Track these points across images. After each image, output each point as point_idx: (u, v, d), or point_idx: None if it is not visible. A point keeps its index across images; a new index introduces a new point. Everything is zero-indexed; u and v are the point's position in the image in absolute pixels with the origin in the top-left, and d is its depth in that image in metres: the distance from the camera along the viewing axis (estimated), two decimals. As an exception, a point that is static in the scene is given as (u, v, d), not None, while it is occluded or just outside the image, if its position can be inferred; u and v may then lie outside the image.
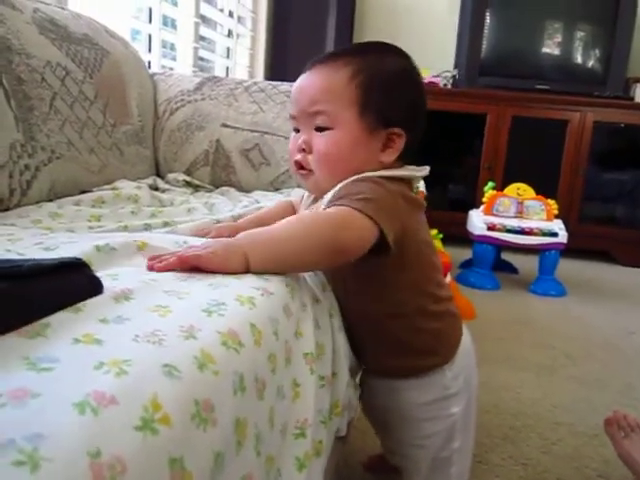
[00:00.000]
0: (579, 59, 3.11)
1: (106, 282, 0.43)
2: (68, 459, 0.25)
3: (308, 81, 0.71)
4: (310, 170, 0.70)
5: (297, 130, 0.73)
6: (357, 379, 0.85)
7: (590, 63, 3.10)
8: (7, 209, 0.95)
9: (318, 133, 0.69)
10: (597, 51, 3.06)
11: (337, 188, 0.67)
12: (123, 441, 0.28)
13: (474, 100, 2.98)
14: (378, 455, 1.04)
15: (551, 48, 3.11)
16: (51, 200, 1.04)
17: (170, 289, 0.46)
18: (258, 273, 0.55)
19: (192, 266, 0.52)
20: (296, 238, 0.57)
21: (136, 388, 0.31)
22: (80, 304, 0.39)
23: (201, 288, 0.48)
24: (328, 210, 0.61)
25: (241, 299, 0.47)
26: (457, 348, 0.77)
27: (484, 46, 3.04)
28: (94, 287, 0.41)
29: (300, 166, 0.71)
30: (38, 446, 0.25)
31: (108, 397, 0.29)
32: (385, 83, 0.69)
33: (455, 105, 2.97)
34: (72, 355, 0.33)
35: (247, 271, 0.54)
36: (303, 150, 0.70)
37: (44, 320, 0.36)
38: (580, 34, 3.10)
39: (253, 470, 0.40)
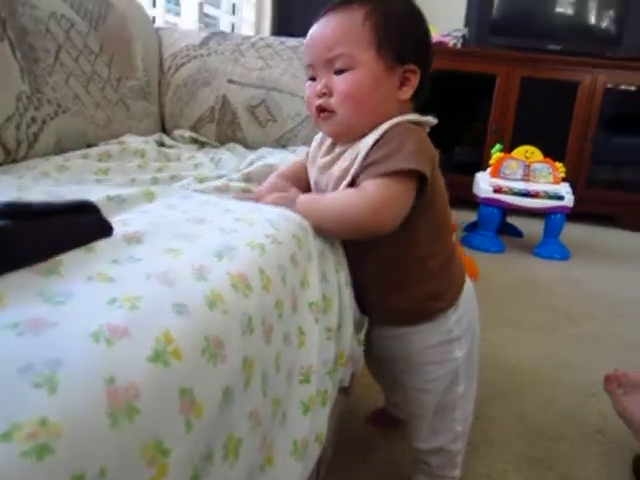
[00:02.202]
0: (593, 19, 3.03)
1: (117, 227, 0.44)
2: (85, 383, 0.26)
3: (323, 28, 0.71)
4: (332, 111, 0.71)
5: (312, 79, 0.73)
6: (361, 336, 0.87)
7: (604, 23, 3.03)
8: (14, 161, 0.95)
9: (337, 76, 0.70)
10: (611, 11, 2.98)
11: (374, 137, 0.68)
12: (136, 370, 0.29)
13: (483, 60, 2.92)
14: (380, 409, 1.07)
15: (564, 7, 3.03)
16: (57, 153, 1.03)
17: (181, 232, 0.47)
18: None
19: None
20: (336, 219, 0.66)
21: (148, 322, 0.32)
22: (91, 245, 0.40)
23: (212, 232, 0.48)
24: (368, 194, 0.65)
25: (252, 245, 0.48)
26: (460, 293, 0.80)
27: (495, 5, 2.97)
28: (105, 229, 0.42)
29: (321, 109, 0.72)
30: (56, 370, 0.26)
31: (121, 329, 0.30)
32: (397, 22, 0.70)
33: (464, 65, 2.91)
34: (86, 291, 0.34)
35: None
36: (324, 94, 0.71)
37: (57, 258, 0.36)
38: (594, -7, 3.02)
39: (259, 407, 0.42)
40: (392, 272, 0.76)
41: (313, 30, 0.72)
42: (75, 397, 0.25)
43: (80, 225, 0.39)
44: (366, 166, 0.67)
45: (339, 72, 0.70)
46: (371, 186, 0.65)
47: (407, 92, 0.72)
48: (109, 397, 0.26)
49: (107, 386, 0.27)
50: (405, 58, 0.70)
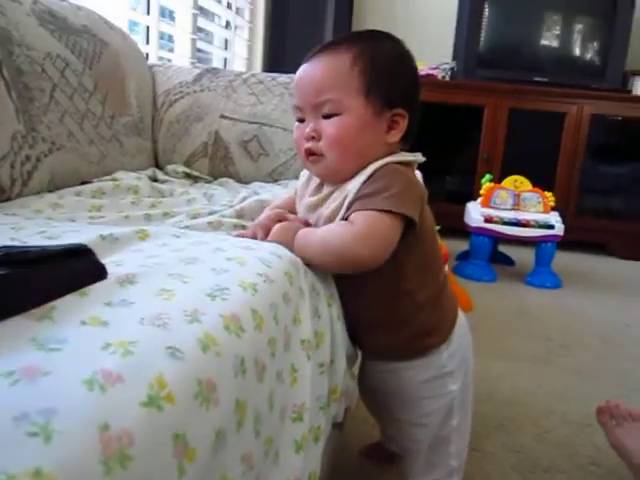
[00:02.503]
0: (577, 51, 3.11)
1: (110, 268, 0.45)
2: (79, 431, 0.26)
3: (311, 71, 0.72)
4: (320, 155, 0.72)
5: (301, 120, 0.74)
6: (357, 369, 0.87)
7: (588, 56, 3.11)
8: (8, 199, 0.96)
9: (326, 120, 0.71)
10: (595, 43, 3.06)
11: (363, 178, 0.69)
12: (130, 416, 0.29)
13: (472, 92, 2.98)
14: (375, 443, 1.06)
15: (549, 40, 3.12)
16: (51, 191, 1.05)
17: (174, 272, 0.47)
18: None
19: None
20: (328, 251, 0.67)
21: (141, 367, 0.32)
22: (85, 288, 0.40)
23: (204, 273, 0.49)
24: (356, 226, 0.65)
25: (244, 285, 0.48)
26: (453, 328, 0.80)
27: (482, 38, 3.04)
28: (99, 272, 0.42)
29: (310, 153, 0.72)
30: (50, 419, 0.26)
31: (115, 375, 0.31)
32: (386, 66, 0.71)
33: (453, 97, 2.97)
34: (79, 336, 0.34)
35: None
36: (312, 138, 0.72)
37: (50, 304, 0.37)
38: (579, 26, 3.10)
39: (252, 449, 0.42)
40: (382, 306, 0.76)
41: (302, 71, 0.73)
42: (69, 446, 0.25)
43: (75, 270, 0.40)
44: (356, 199, 0.68)
45: (327, 116, 0.70)
46: (360, 219, 0.66)
47: (395, 135, 0.72)
48: (103, 445, 0.26)
49: (101, 433, 0.27)
50: (393, 102, 0.71)
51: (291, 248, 0.67)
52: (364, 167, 0.70)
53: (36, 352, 0.31)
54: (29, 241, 0.57)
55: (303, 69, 0.73)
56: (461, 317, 0.83)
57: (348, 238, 0.65)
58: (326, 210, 0.72)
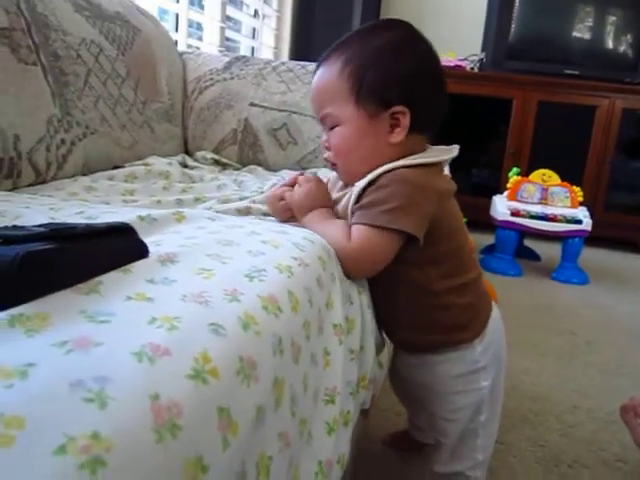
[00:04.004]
0: (610, 44, 3.05)
1: (151, 247, 0.45)
2: (132, 399, 0.27)
3: (314, 84, 0.75)
4: (334, 164, 0.76)
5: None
6: (388, 357, 0.87)
7: (621, 49, 3.04)
8: (44, 182, 0.97)
9: (331, 131, 0.74)
10: (629, 36, 2.99)
11: (364, 182, 0.70)
12: (178, 387, 0.30)
13: (500, 84, 2.94)
14: (400, 432, 1.06)
15: (581, 33, 3.05)
16: (85, 174, 1.06)
17: (212, 253, 0.48)
18: None
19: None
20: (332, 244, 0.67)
21: (187, 342, 0.33)
22: (128, 266, 0.41)
23: (241, 254, 0.50)
24: (350, 245, 0.67)
25: (280, 267, 0.49)
26: (486, 323, 0.79)
27: (512, 29, 3.00)
28: (141, 250, 0.43)
29: (329, 161, 0.77)
30: (105, 387, 0.27)
31: (162, 348, 0.31)
32: (374, 64, 0.70)
33: (481, 89, 2.94)
34: (126, 310, 0.35)
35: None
36: (327, 148, 0.76)
37: (97, 279, 0.38)
38: (611, 19, 3.03)
39: (288, 428, 0.42)
40: (413, 306, 0.76)
41: (311, 84, 0.76)
42: (124, 413, 0.26)
43: (119, 247, 0.41)
44: (358, 208, 0.70)
45: (332, 127, 0.73)
46: (356, 233, 0.67)
47: (400, 134, 0.71)
48: (154, 413, 0.27)
49: (152, 403, 0.28)
50: (390, 101, 0.69)
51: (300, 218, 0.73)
52: (373, 170, 0.70)
53: (87, 324, 0.32)
54: (69, 221, 0.58)
55: (312, 82, 0.76)
56: (495, 312, 0.82)
57: (339, 254, 0.66)
58: (341, 207, 0.75)
